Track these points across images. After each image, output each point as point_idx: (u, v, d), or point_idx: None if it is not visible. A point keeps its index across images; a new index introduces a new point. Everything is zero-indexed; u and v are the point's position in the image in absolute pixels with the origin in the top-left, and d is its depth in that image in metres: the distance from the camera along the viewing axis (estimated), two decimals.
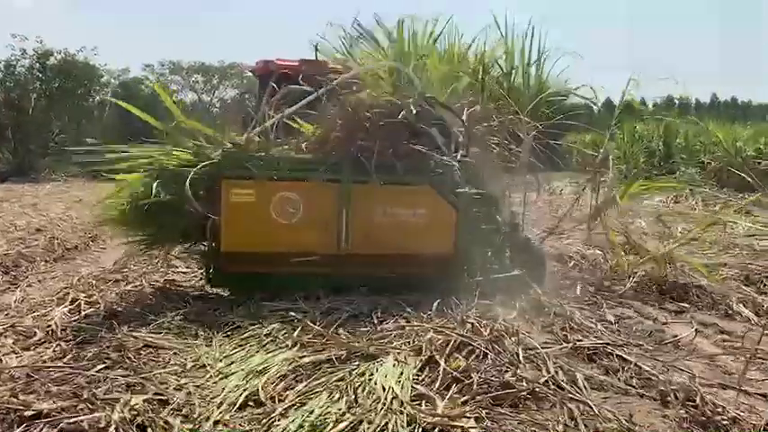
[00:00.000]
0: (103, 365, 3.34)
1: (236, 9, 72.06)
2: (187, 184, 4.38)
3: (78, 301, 4.68)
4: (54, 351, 3.67)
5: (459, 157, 5.06)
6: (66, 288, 5.13)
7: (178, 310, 4.41)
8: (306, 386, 2.92)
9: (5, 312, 4.56)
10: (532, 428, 2.59)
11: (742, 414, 2.89)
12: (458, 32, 7.44)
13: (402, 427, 2.51)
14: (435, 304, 4.34)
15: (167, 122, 5.10)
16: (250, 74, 11.51)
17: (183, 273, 5.91)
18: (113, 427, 2.61)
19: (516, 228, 5.54)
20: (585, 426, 2.64)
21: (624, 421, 2.70)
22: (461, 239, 4.98)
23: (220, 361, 3.41)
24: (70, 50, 23.21)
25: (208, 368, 3.33)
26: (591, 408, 2.81)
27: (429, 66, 6.24)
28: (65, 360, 3.51)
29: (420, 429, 2.51)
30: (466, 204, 4.97)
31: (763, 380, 3.44)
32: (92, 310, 4.51)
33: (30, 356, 3.62)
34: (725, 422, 2.79)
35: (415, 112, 4.96)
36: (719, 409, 2.90)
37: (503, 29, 8.03)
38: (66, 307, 4.55)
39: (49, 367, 3.35)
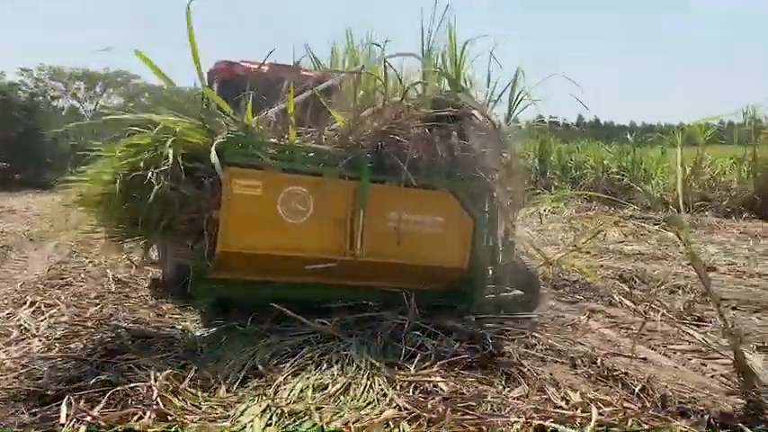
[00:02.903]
0: (99, 355, 3.71)
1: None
2: (213, 149, 3.84)
3: (38, 303, 4.92)
4: (38, 346, 3.96)
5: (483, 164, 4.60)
6: (17, 292, 5.31)
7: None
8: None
9: None
10: (482, 382, 3.31)
11: (630, 371, 3.79)
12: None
13: (384, 384, 3.15)
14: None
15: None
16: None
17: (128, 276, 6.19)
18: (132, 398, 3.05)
19: (512, 245, 5.19)
20: (520, 380, 3.40)
21: (549, 376, 3.49)
22: (476, 253, 4.60)
23: None
24: None
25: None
26: (522, 370, 3.59)
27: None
28: (54, 353, 3.84)
29: (399, 386, 3.16)
30: (483, 214, 4.63)
31: (644, 348, 4.42)
32: (55, 311, 4.77)
33: (16, 351, 3.90)
34: (620, 376, 3.66)
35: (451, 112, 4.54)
36: (614, 369, 3.80)
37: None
38: (26, 309, 4.79)
39: (46, 358, 3.68)
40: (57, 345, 3.95)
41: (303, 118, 4.49)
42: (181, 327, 4.40)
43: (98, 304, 4.94)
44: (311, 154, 4.31)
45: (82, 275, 6.19)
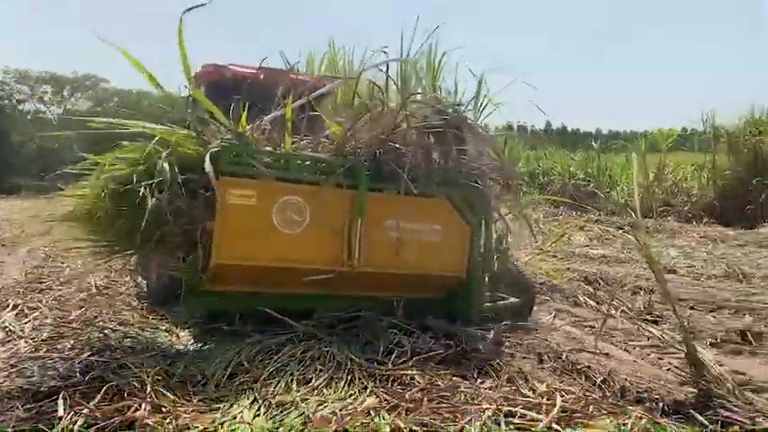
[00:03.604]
0: (87, 354, 3.84)
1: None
2: (207, 158, 3.71)
3: (20, 306, 5.01)
4: (25, 347, 4.06)
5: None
6: None
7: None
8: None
9: None
10: (456, 376, 3.53)
11: (593, 365, 4.05)
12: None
13: (364, 378, 3.36)
14: None
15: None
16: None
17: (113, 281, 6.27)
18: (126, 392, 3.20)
19: (506, 252, 5.19)
20: (491, 373, 3.64)
21: (517, 370, 3.73)
22: (474, 260, 4.61)
23: None
24: None
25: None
26: (492, 364, 3.83)
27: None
28: (42, 353, 3.95)
29: (378, 380, 3.37)
30: (480, 221, 4.62)
31: (606, 344, 4.70)
32: (38, 314, 4.86)
33: (4, 352, 4.00)
34: (583, 369, 3.92)
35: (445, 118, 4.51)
36: (578, 363, 4.06)
37: None
38: (9, 312, 4.87)
39: (35, 358, 3.80)
40: (44, 345, 4.03)
41: (299, 125, 4.40)
42: (165, 327, 4.53)
43: (81, 307, 5.04)
44: (307, 162, 4.24)
45: (60, 280, 6.26)
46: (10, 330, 4.38)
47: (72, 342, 4.07)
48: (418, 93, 4.90)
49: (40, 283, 6.09)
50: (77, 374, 3.46)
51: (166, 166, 3.65)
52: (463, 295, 4.64)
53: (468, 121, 4.67)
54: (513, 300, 5.00)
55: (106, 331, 4.27)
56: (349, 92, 5.15)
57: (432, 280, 4.54)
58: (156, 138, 3.84)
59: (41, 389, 3.27)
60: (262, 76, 5.59)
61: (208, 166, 3.64)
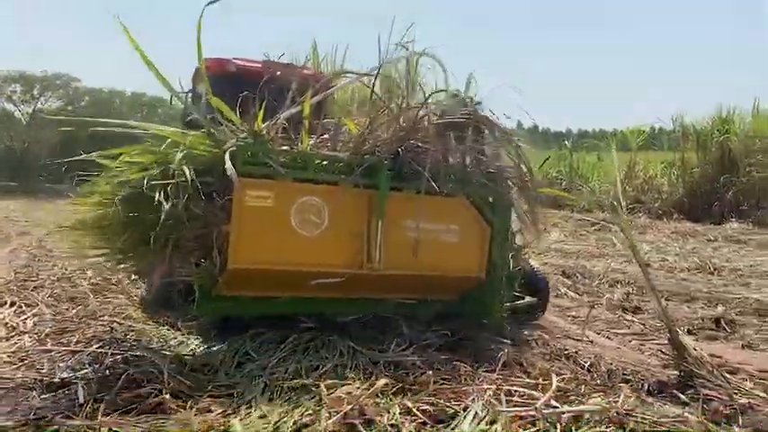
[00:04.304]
0: (96, 346, 3.94)
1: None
2: (227, 158, 3.54)
3: (17, 303, 5.06)
4: (30, 342, 4.13)
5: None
6: None
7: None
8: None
9: None
10: (455, 361, 3.72)
11: (580, 351, 4.28)
12: None
13: (368, 365, 3.53)
14: None
15: None
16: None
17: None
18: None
19: (520, 251, 4.95)
20: (487, 358, 3.83)
21: (511, 355, 3.93)
22: (494, 260, 4.46)
23: None
24: None
25: None
26: (486, 351, 4.03)
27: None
28: (48, 346, 4.03)
29: (381, 366, 3.55)
30: (500, 221, 4.46)
31: (590, 333, 4.93)
32: (36, 310, 4.92)
33: (9, 347, 4.07)
34: (571, 355, 4.15)
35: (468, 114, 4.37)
36: (565, 349, 4.29)
37: None
38: (8, 309, 4.93)
39: (43, 351, 3.88)
40: (48, 340, 4.12)
41: (314, 123, 4.24)
42: (165, 321, 4.63)
43: (80, 304, 5.11)
44: (325, 162, 4.07)
45: (52, 278, 6.29)
46: (12, 326, 4.44)
47: (78, 336, 4.16)
48: (442, 90, 4.64)
49: (33, 281, 6.11)
50: (87, 365, 3.58)
51: (186, 168, 3.50)
52: (482, 296, 4.51)
53: (490, 118, 4.51)
54: (529, 299, 4.94)
55: (114, 324, 4.36)
56: (362, 89, 5.07)
57: (451, 281, 4.44)
58: (169, 140, 3.72)
59: (54, 380, 3.36)
60: (274, 72, 5.06)
61: (229, 167, 3.48)
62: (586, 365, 3.90)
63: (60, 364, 3.64)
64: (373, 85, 4.60)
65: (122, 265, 4.16)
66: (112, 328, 4.28)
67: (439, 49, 4.57)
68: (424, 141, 4.17)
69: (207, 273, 3.76)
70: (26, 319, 4.65)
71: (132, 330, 4.29)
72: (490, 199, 4.43)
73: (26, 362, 3.71)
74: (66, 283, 5.88)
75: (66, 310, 4.95)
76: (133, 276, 5.71)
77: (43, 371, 3.53)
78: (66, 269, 6.60)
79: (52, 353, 3.86)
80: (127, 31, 3.76)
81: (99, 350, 3.85)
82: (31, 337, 4.19)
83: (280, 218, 3.82)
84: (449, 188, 4.17)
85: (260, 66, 6.06)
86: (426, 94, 4.50)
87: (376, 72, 4.50)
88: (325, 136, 4.31)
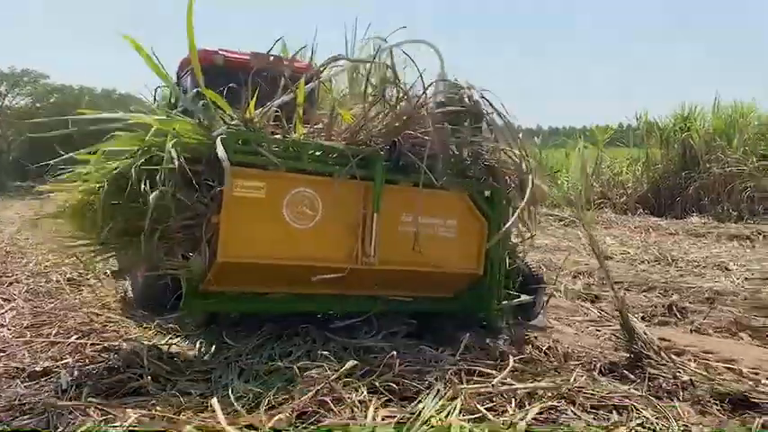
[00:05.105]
0: (75, 337, 4.08)
1: None
2: (219, 143, 3.40)
3: None
4: (10, 334, 4.21)
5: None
6: None
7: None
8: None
9: None
10: (419, 346, 3.94)
11: (539, 336, 4.54)
12: None
13: (339, 350, 3.74)
14: None
15: None
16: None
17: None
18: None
19: (515, 248, 4.83)
20: (450, 343, 4.05)
21: (472, 340, 4.16)
22: (490, 256, 4.34)
23: None
24: None
25: None
26: (449, 336, 4.25)
27: None
28: (28, 338, 4.14)
29: (351, 350, 3.75)
30: (497, 215, 4.30)
31: (550, 320, 5.20)
32: (14, 304, 4.99)
33: None
34: (530, 340, 4.41)
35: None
36: (525, 335, 4.54)
37: None
38: None
39: (24, 342, 4.00)
40: (27, 332, 4.24)
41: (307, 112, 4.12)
42: (142, 314, 4.77)
43: (57, 298, 5.23)
44: (319, 152, 3.91)
45: (26, 274, 6.37)
46: None
47: (56, 328, 4.29)
48: (445, 80, 4.45)
49: (7, 277, 6.20)
50: (68, 355, 3.72)
51: (175, 154, 3.36)
52: (479, 293, 4.43)
53: (491, 110, 4.32)
54: (526, 297, 4.75)
55: (91, 316, 4.49)
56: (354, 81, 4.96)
57: (447, 277, 4.34)
58: (154, 128, 3.56)
59: (36, 369, 3.48)
60: (262, 63, 5.19)
61: (221, 152, 3.34)
62: (544, 348, 4.14)
63: (41, 354, 3.76)
64: (369, 74, 4.44)
65: (103, 257, 4.04)
66: (91, 320, 4.40)
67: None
68: (422, 132, 4.03)
69: (195, 266, 3.58)
70: (3, 313, 4.76)
71: (111, 322, 4.44)
72: (487, 193, 4.34)
73: (7, 353, 3.82)
74: (42, 279, 5.96)
75: (43, 303, 5.07)
76: (111, 270, 5.79)
77: (26, 360, 3.65)
78: (39, 265, 6.68)
79: (33, 344, 3.99)
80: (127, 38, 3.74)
81: (78, 341, 4.00)
82: (10, 330, 4.30)
83: (272, 209, 3.67)
84: (447, 181, 4.04)
85: (247, 57, 6.02)
86: (424, 83, 4.29)
87: (372, 58, 4.33)
88: (319, 125, 4.17)
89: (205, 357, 3.70)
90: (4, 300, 5.13)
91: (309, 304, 4.15)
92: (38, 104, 29.72)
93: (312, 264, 3.82)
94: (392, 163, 3.98)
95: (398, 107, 4.09)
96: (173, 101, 5.59)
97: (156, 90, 7.78)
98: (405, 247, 3.98)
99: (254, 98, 3.76)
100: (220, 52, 6.01)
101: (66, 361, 3.62)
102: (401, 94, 4.15)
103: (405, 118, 4.04)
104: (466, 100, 4.28)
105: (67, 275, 6.10)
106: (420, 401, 2.90)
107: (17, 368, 3.51)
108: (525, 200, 4.14)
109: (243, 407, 2.83)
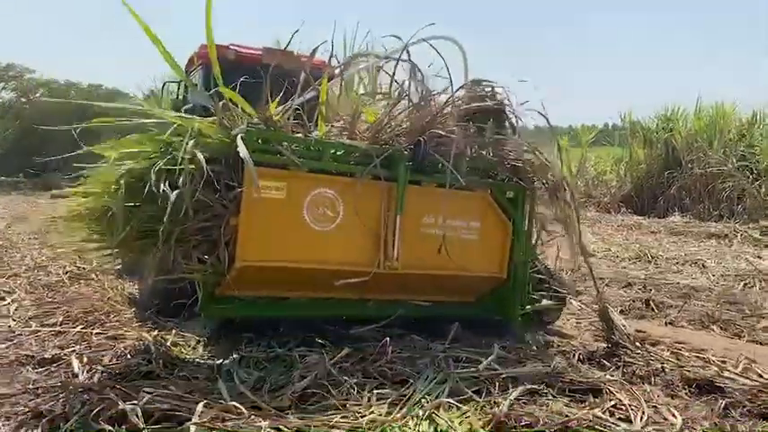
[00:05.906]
0: (81, 327, 4.25)
1: None
2: (240, 142, 3.27)
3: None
4: (15, 324, 4.36)
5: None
6: None
7: None
8: None
9: None
10: (410, 335, 4.16)
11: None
12: None
13: (334, 340, 3.95)
14: None
15: None
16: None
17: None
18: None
19: (535, 251, 4.61)
20: (438, 334, 4.26)
21: (459, 332, 4.38)
22: (515, 260, 4.24)
23: None
24: None
25: None
26: (438, 328, 4.47)
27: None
28: (34, 327, 4.29)
29: (346, 340, 3.97)
30: (522, 217, 4.23)
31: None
32: (16, 296, 5.14)
33: None
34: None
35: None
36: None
37: None
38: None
39: (30, 332, 4.16)
40: (32, 322, 4.41)
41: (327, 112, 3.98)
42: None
43: (58, 291, 5.39)
44: (341, 152, 3.77)
45: (24, 268, 6.50)
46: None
47: (61, 318, 4.46)
48: (477, 80, 4.31)
49: (6, 271, 6.32)
50: (75, 344, 3.89)
51: (200, 155, 3.25)
52: (503, 298, 4.33)
53: (513, 110, 4.27)
54: (548, 302, 4.64)
55: (96, 304, 4.67)
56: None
57: (471, 281, 4.22)
58: (174, 126, 3.49)
59: (45, 356, 3.64)
60: (266, 57, 5.08)
61: (243, 151, 3.21)
62: (527, 339, 4.38)
63: (47, 342, 3.91)
64: (395, 71, 4.26)
65: (118, 260, 3.98)
66: (95, 309, 4.58)
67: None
68: (447, 131, 3.89)
69: (213, 270, 3.45)
70: (7, 304, 4.91)
71: (113, 312, 4.61)
72: (510, 194, 4.24)
73: (15, 342, 3.98)
74: (41, 273, 6.11)
75: (45, 296, 5.22)
76: (117, 268, 5.86)
77: (34, 348, 3.81)
78: (35, 260, 6.80)
79: (39, 333, 4.15)
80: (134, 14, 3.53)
81: (84, 330, 4.18)
82: (15, 321, 4.46)
83: (292, 211, 3.55)
84: (473, 182, 3.95)
85: (260, 53, 5.87)
86: (450, 81, 4.22)
87: (398, 56, 4.17)
88: (341, 123, 4.06)
89: (207, 345, 3.90)
90: (6, 292, 5.27)
91: (329, 309, 4.06)
92: (24, 99, 29.52)
93: (333, 267, 3.68)
94: (416, 163, 3.83)
95: (423, 105, 4.00)
96: (180, 97, 5.58)
97: (164, 86, 7.83)
98: (427, 251, 3.86)
99: (274, 96, 3.65)
100: (232, 47, 5.87)
101: (73, 348, 3.79)
102: (425, 93, 4.05)
103: (429, 117, 3.93)
104: (489, 99, 4.21)
105: (66, 269, 6.24)
106: (411, 385, 3.13)
107: (27, 355, 3.68)
108: (571, 203, 4.23)
109: (247, 390, 3.04)
